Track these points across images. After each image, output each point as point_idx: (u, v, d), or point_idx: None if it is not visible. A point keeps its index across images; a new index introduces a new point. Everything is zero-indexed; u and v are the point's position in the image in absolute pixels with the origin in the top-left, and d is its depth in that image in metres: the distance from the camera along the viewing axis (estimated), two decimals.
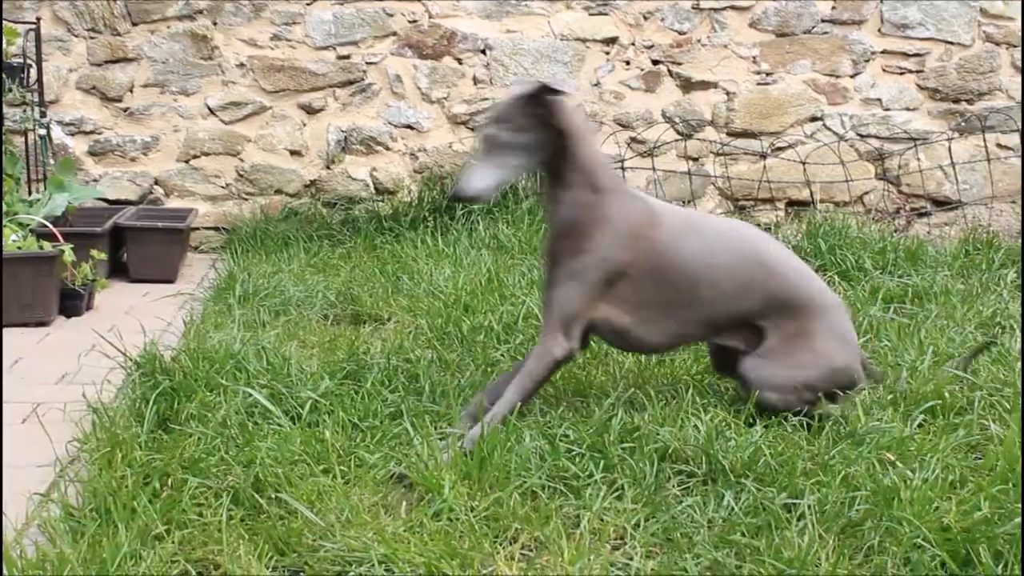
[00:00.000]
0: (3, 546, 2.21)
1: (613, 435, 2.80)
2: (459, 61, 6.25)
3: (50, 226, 4.53)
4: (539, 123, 2.92)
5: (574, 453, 2.73)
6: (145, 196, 6.08)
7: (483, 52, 6.25)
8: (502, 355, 3.56)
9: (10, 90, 5.25)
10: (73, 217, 5.16)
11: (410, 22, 6.22)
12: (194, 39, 6.10)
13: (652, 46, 6.32)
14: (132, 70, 6.09)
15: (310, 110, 6.17)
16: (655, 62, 6.33)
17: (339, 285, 4.62)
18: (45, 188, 5.20)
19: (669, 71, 6.34)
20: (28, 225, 4.55)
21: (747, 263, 3.08)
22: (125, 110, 6.09)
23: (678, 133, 6.36)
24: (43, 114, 5.53)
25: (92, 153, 6.02)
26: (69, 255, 4.34)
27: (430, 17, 6.23)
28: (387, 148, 6.22)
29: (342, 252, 5.41)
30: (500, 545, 2.35)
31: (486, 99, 6.21)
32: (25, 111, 5.41)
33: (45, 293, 4.29)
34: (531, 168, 3.02)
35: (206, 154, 6.14)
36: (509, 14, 6.27)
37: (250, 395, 3.02)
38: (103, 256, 4.71)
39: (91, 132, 6.04)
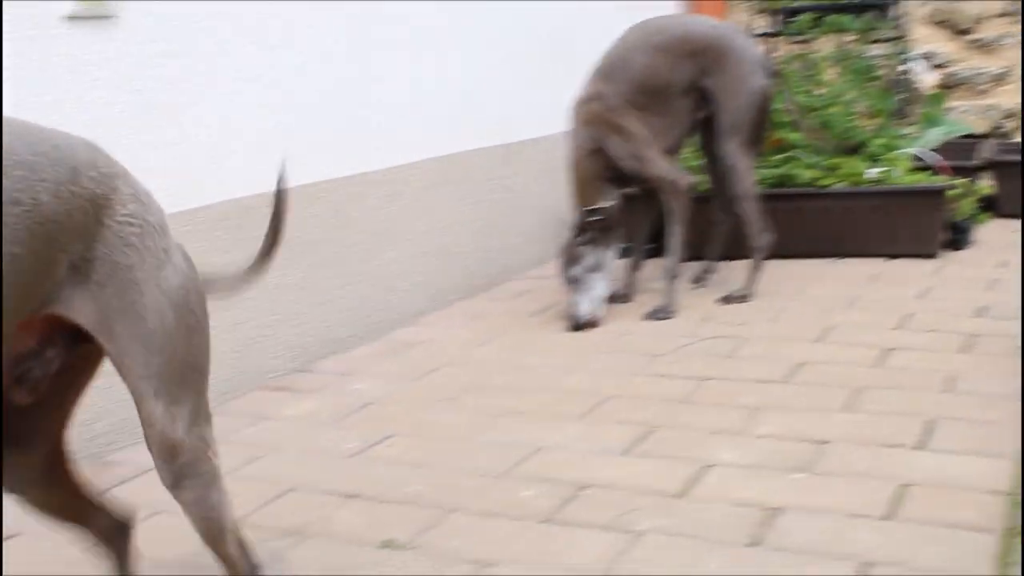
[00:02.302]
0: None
1: None
2: None
3: (939, 160, 4.56)
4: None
5: None
6: (995, 130, 5.93)
7: None
8: None
9: (877, 28, 5.38)
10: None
11: None
12: None
13: None
14: (981, 3, 5.94)
15: None
16: None
17: None
18: (911, 123, 5.26)
19: None
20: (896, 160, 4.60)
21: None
22: (974, 42, 5.97)
23: None
24: (906, 49, 5.60)
25: (942, 86, 5.99)
26: (964, 188, 4.33)
27: None
28: None
29: None
30: None
31: None
32: (893, 46, 5.51)
33: (932, 226, 4.33)
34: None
35: None
36: None
37: None
38: (988, 190, 4.65)
39: (940, 66, 6.01)
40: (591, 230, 3.64)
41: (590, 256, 3.66)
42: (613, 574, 1.92)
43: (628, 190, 3.85)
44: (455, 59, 4.16)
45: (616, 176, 3.74)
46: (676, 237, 3.72)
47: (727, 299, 3.82)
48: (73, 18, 2.63)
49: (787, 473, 2.33)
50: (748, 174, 3.76)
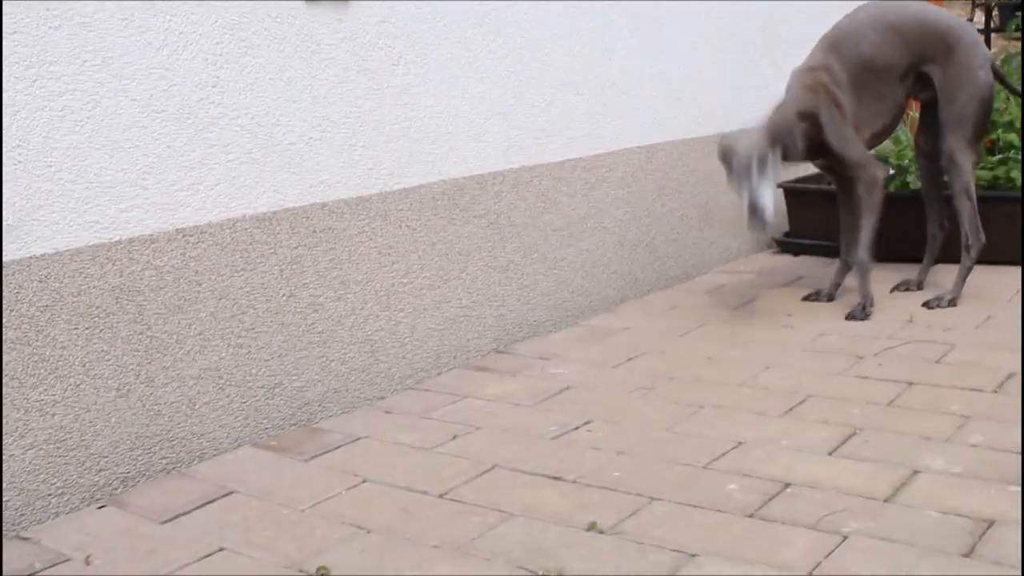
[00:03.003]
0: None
1: None
2: None
3: None
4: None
5: None
6: None
7: None
8: None
9: None
10: None
11: None
12: None
13: None
14: None
15: None
16: None
17: None
18: None
19: None
20: None
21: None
22: None
23: None
24: None
25: None
26: None
27: None
28: None
29: None
30: None
31: None
32: None
33: None
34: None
35: None
36: None
37: None
38: None
39: None
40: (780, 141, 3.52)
41: (771, 164, 3.47)
42: (820, 574, 1.91)
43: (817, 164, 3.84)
44: (664, 49, 4.16)
45: (812, 147, 3.66)
46: (867, 231, 3.64)
47: (933, 303, 3.71)
48: (311, 0, 2.75)
49: (1001, 485, 2.26)
50: (968, 170, 3.66)
